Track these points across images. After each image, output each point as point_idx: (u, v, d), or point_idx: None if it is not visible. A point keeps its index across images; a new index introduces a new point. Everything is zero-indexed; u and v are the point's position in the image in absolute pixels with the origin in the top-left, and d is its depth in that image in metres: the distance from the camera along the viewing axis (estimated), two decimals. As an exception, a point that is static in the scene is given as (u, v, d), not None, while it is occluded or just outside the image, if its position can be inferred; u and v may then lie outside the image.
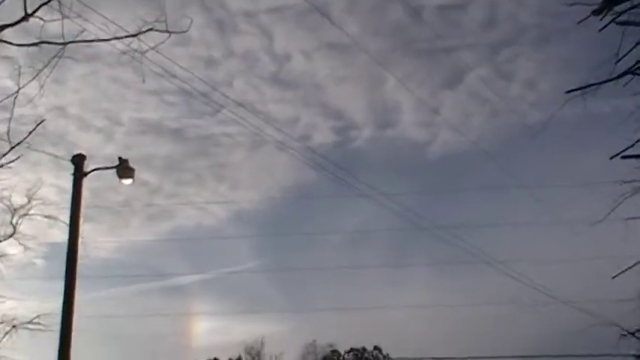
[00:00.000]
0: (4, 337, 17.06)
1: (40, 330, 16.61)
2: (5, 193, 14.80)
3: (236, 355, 75.78)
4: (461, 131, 77.20)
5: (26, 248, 16.17)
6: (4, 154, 11.73)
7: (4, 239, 15.86)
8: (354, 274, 76.79)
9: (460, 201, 73.05)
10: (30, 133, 11.72)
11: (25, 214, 15.76)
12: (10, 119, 11.34)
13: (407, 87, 74.13)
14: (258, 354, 73.06)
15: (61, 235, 16.50)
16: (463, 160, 77.26)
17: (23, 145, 11.71)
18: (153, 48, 11.48)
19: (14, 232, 15.79)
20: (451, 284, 74.43)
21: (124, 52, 11.84)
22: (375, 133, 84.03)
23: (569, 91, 12.48)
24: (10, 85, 11.26)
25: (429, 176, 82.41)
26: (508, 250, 56.27)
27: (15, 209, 15.64)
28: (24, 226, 15.88)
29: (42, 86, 10.97)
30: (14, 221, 15.73)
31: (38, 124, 11.81)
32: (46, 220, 16.13)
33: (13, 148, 11.57)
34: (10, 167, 12.14)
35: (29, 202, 15.75)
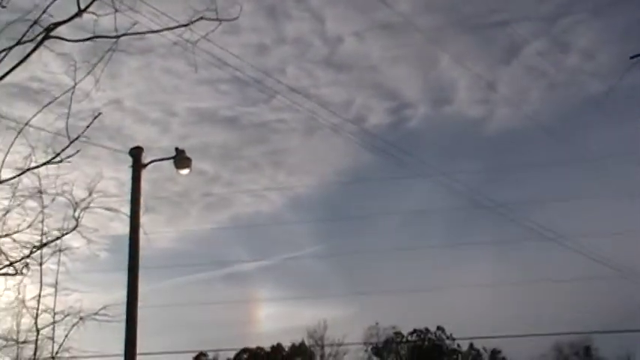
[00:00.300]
0: (71, 328, 17.46)
1: (106, 321, 16.94)
2: (66, 188, 15.04)
3: (299, 340, 76.56)
4: (518, 106, 75.79)
5: (89, 241, 16.47)
6: (64, 149, 11.87)
7: (68, 232, 16.17)
8: (415, 255, 76.64)
9: (520, 177, 71.97)
10: (87, 126, 11.84)
11: (87, 208, 16.04)
12: (67, 115, 11.46)
13: (462, 64, 73.13)
14: (321, 338, 73.67)
15: (123, 228, 16.79)
16: (521, 135, 76.00)
17: (81, 139, 11.82)
18: (204, 37, 11.45)
19: (77, 226, 16.09)
20: (514, 262, 73.49)
21: (175, 43, 11.86)
22: (431, 112, 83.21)
23: (633, 57, 12.10)
24: (66, 81, 11.37)
25: (487, 153, 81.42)
26: (571, 225, 55.30)
27: (77, 203, 15.93)
28: (86, 220, 16.17)
29: (97, 80, 11.05)
30: (76, 215, 16.02)
31: (95, 117, 11.93)
32: (107, 212, 16.42)
33: (71, 142, 11.70)
34: (69, 162, 12.28)
35: (90, 195, 16.03)
